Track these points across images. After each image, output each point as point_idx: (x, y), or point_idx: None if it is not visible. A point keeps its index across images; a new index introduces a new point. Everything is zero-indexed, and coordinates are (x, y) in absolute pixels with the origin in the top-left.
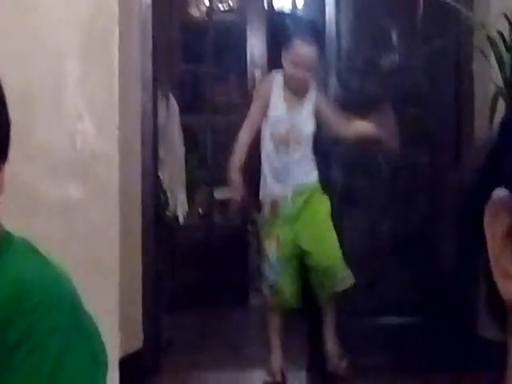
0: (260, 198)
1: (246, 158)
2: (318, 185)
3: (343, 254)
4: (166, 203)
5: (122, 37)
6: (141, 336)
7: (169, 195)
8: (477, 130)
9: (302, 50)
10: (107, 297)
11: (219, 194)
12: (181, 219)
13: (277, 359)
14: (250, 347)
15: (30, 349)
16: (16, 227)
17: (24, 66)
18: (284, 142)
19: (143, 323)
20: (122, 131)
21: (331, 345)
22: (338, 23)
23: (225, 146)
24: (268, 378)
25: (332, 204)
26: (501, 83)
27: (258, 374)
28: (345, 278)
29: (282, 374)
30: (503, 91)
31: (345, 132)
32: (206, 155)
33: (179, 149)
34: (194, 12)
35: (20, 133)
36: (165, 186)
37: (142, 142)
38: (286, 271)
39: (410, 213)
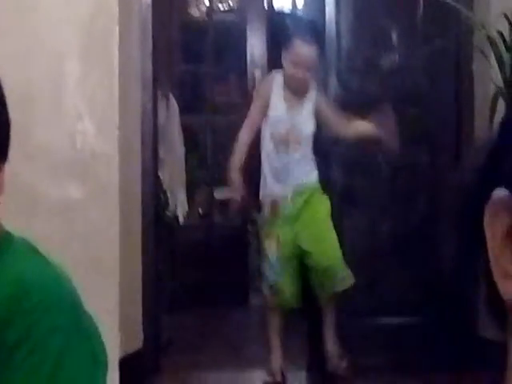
0: (260, 197)
1: (246, 158)
2: (318, 185)
3: (343, 253)
4: (166, 203)
5: (121, 37)
6: (141, 336)
7: (169, 195)
8: (477, 129)
9: (302, 50)
10: (107, 297)
11: (219, 193)
12: (181, 219)
13: (277, 359)
14: (250, 347)
15: (30, 349)
16: (16, 227)
17: (24, 65)
18: (284, 142)
19: (143, 323)
20: (121, 131)
21: (331, 345)
22: (338, 23)
23: (225, 146)
24: (268, 378)
25: (332, 204)
26: (501, 83)
27: (258, 374)
28: (345, 278)
29: (282, 374)
30: (503, 91)
31: (345, 132)
32: (206, 155)
33: (179, 149)
34: (194, 12)
35: (20, 133)
36: (165, 186)
37: (142, 142)
38: (285, 271)
39: (410, 213)
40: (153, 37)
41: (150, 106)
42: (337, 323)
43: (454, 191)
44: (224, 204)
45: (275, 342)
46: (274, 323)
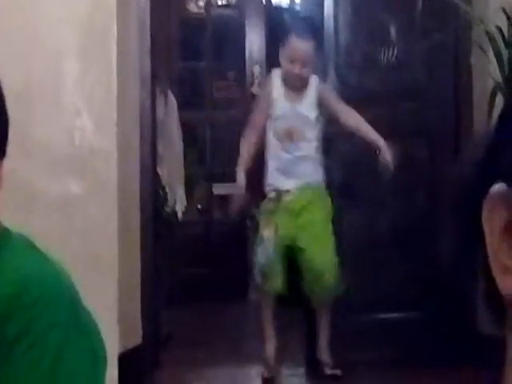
0: (264, 188)
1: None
2: (323, 185)
3: (342, 249)
4: (165, 199)
5: (120, 34)
6: (140, 331)
7: (167, 191)
8: (475, 124)
9: (298, 45)
10: (106, 293)
11: (218, 189)
12: (179, 215)
13: (271, 348)
14: (249, 343)
15: (30, 343)
16: (14, 223)
17: (22, 63)
18: (288, 138)
19: (142, 319)
20: (120, 127)
21: (323, 350)
22: (336, 18)
23: (223, 142)
24: (263, 371)
25: (332, 199)
26: (499, 78)
27: (257, 369)
28: (333, 287)
29: (276, 364)
30: (502, 86)
31: (345, 119)
32: (205, 151)
33: (178, 144)
34: (192, 7)
35: (19, 129)
36: (163, 182)
37: (141, 138)
38: (278, 258)
39: (409, 207)
40: (151, 33)
41: (148, 102)
42: (335, 319)
43: (452, 185)
44: (223, 199)
45: (269, 330)
46: (268, 312)
